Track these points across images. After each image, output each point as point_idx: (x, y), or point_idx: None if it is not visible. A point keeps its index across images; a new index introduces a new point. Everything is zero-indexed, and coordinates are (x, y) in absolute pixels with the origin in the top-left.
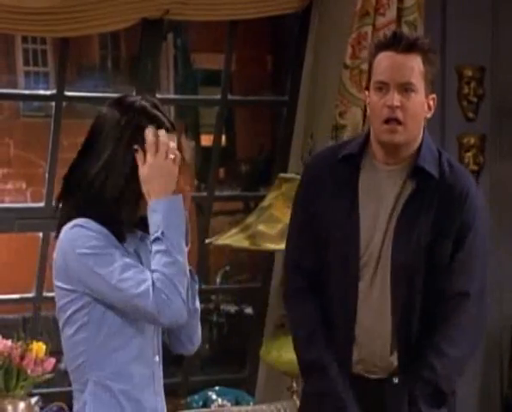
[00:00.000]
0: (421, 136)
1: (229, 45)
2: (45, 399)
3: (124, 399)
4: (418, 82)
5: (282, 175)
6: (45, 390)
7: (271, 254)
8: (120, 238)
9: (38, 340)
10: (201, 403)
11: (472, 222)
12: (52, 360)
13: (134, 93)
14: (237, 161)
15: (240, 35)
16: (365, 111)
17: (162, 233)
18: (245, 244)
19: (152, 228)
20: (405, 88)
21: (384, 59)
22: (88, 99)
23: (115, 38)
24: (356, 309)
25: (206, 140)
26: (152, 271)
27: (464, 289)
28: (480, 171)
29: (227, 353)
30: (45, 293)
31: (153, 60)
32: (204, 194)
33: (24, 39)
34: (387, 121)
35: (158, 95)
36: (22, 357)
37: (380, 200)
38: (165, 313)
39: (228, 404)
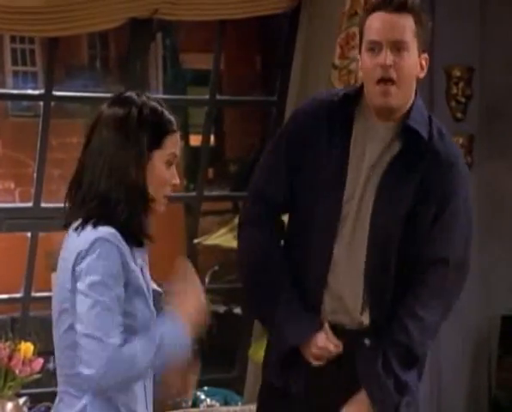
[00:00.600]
0: (413, 96)
1: (218, 45)
2: (34, 399)
3: (125, 410)
4: (411, 41)
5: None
6: (33, 391)
7: None
8: (134, 243)
9: (26, 340)
10: (190, 403)
11: (457, 190)
12: (40, 361)
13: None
14: (226, 161)
15: (229, 35)
16: None
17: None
18: (234, 244)
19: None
20: (398, 47)
21: (375, 20)
22: (77, 99)
23: (104, 37)
24: (331, 256)
25: (195, 140)
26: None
27: (443, 255)
28: (469, 171)
29: (215, 353)
30: (34, 294)
31: (142, 60)
32: (193, 194)
33: (12, 39)
34: (380, 82)
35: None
36: (10, 357)
37: (364, 154)
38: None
39: (217, 404)
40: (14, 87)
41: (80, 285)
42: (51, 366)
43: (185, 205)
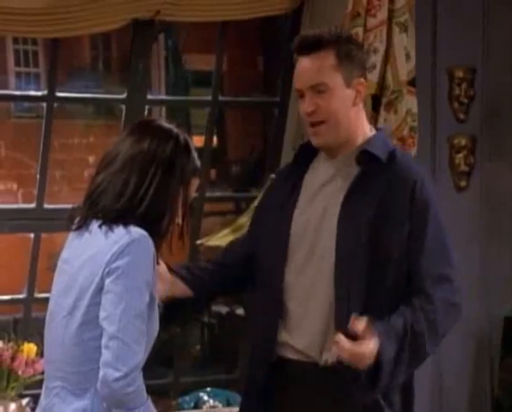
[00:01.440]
0: (363, 128)
1: (220, 45)
2: (36, 400)
3: None
4: (331, 79)
5: (273, 176)
6: (36, 392)
7: None
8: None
9: (29, 341)
10: (192, 404)
11: (428, 211)
12: (43, 362)
13: (125, 95)
14: (228, 162)
15: (231, 36)
16: None
17: None
18: None
19: None
20: (318, 90)
21: (297, 66)
22: (79, 100)
23: (106, 39)
24: (281, 299)
25: (197, 141)
26: None
27: (431, 273)
28: (471, 172)
29: (218, 354)
30: (37, 295)
31: (144, 61)
32: (195, 195)
33: (15, 40)
34: (311, 124)
35: (149, 96)
36: (13, 358)
37: (319, 189)
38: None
39: (220, 405)
40: (16, 89)
41: (112, 285)
42: None
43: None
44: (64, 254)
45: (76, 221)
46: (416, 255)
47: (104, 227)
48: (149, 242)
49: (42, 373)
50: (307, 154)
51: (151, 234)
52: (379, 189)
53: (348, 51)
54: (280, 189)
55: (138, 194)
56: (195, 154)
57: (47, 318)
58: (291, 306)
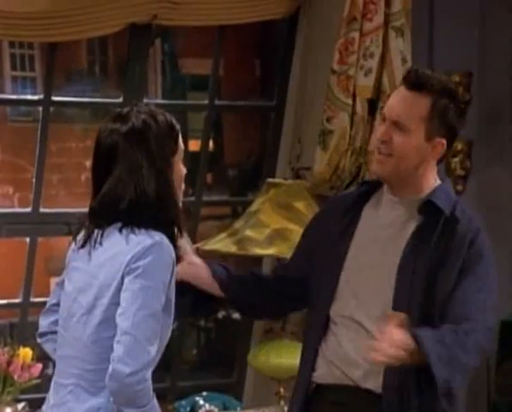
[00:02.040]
0: (431, 181)
1: (217, 50)
2: (32, 405)
3: None
4: (415, 125)
5: (270, 180)
6: (32, 396)
7: (258, 259)
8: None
9: (25, 345)
10: (189, 409)
11: (479, 260)
12: (39, 366)
13: (122, 99)
14: (225, 166)
15: (228, 40)
16: (352, 116)
17: None
18: (233, 249)
19: None
20: (398, 126)
21: (396, 92)
22: (76, 105)
23: (103, 43)
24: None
25: (194, 145)
26: None
27: (468, 317)
28: (467, 176)
29: (215, 358)
30: (33, 299)
31: (141, 65)
32: (192, 199)
33: (11, 44)
34: (378, 151)
35: (146, 100)
36: (9, 363)
37: (380, 230)
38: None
39: (216, 409)
40: (13, 93)
41: (131, 283)
42: (49, 371)
43: (185, 210)
44: (74, 259)
45: (82, 236)
46: (454, 296)
47: (125, 231)
48: (170, 246)
49: (38, 378)
50: (370, 188)
51: (167, 227)
52: (438, 241)
53: (445, 106)
54: (336, 221)
55: (143, 190)
56: (169, 122)
57: (63, 315)
58: (341, 338)
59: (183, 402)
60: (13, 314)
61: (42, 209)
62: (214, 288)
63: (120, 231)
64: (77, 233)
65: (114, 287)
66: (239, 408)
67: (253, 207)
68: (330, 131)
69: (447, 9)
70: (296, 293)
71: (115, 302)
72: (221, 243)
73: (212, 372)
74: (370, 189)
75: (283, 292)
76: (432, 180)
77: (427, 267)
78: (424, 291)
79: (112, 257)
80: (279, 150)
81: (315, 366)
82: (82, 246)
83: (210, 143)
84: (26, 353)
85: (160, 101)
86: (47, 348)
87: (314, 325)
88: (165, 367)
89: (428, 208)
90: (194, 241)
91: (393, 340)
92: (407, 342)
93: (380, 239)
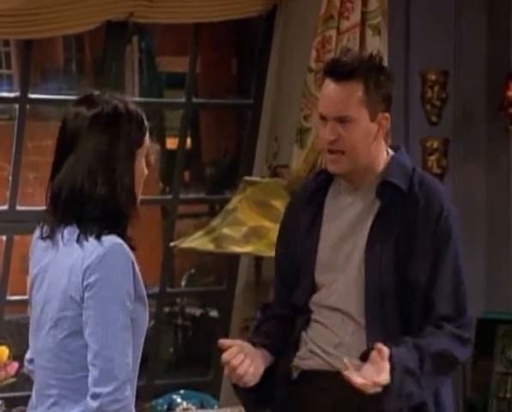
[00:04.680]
0: (382, 156)
1: (194, 48)
2: (9, 403)
3: None
4: (357, 111)
5: (247, 178)
6: (8, 395)
7: (235, 257)
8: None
9: (1, 344)
10: (166, 407)
11: (449, 241)
12: (16, 365)
13: None
14: (202, 164)
15: (205, 38)
16: None
17: None
18: (210, 247)
19: None
20: (342, 120)
21: (324, 89)
22: (53, 102)
23: (79, 40)
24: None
25: (171, 143)
26: None
27: (449, 311)
28: (444, 174)
29: (191, 356)
30: (8, 297)
31: (117, 63)
32: (169, 197)
33: None
34: (329, 151)
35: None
36: None
37: (344, 221)
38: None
39: (193, 408)
40: None
41: (92, 301)
42: (25, 370)
43: (162, 208)
44: (40, 260)
45: (45, 229)
46: (432, 285)
47: (81, 237)
48: (124, 250)
49: (14, 376)
50: (326, 177)
51: (120, 225)
52: (401, 220)
53: (376, 83)
54: (301, 216)
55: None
56: (136, 106)
57: (33, 325)
58: (321, 328)
59: (160, 401)
60: None
61: (18, 207)
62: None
63: (78, 239)
64: (42, 227)
65: (76, 300)
66: (216, 407)
67: (230, 205)
68: (307, 129)
69: (423, 7)
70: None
71: (80, 313)
72: (198, 241)
73: (189, 370)
74: (327, 178)
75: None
76: (384, 154)
77: (394, 249)
78: (395, 273)
79: (69, 269)
80: (256, 148)
81: (298, 353)
82: (44, 240)
83: (188, 141)
84: (2, 351)
85: (137, 99)
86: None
87: (297, 315)
88: (141, 366)
89: (385, 188)
90: (171, 239)
91: (377, 382)
92: (387, 380)
93: (346, 228)
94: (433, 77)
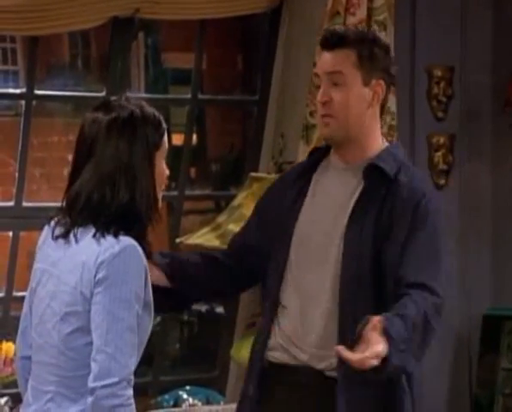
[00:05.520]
0: (376, 136)
1: (199, 44)
2: (15, 399)
3: None
4: (350, 73)
5: (252, 174)
6: (14, 391)
7: None
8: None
9: (7, 340)
10: (172, 403)
11: (426, 219)
12: (16, 358)
13: (105, 93)
14: (208, 161)
15: (211, 34)
16: None
17: None
18: (215, 243)
19: None
20: (335, 81)
21: (319, 57)
22: (58, 98)
23: (85, 36)
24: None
25: (177, 139)
26: None
27: (418, 280)
28: (450, 170)
29: (197, 352)
30: (15, 293)
31: (123, 59)
32: (175, 193)
33: None
34: (322, 116)
35: (128, 94)
36: None
37: (328, 198)
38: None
39: (199, 403)
40: None
41: (100, 296)
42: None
43: (167, 204)
44: (49, 256)
45: (59, 230)
46: (404, 257)
47: (97, 235)
48: (138, 253)
49: None
50: (319, 156)
51: (138, 228)
52: (383, 205)
53: (370, 52)
54: (288, 190)
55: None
56: (152, 109)
57: (35, 321)
58: (290, 311)
59: (166, 397)
60: None
61: (25, 203)
62: (163, 281)
63: (94, 235)
64: (54, 227)
65: (85, 295)
66: (222, 402)
67: (236, 201)
68: (313, 125)
69: (429, 3)
70: (250, 263)
71: (89, 310)
72: (203, 237)
73: (195, 366)
74: (320, 157)
75: (236, 265)
76: (379, 141)
77: (374, 231)
78: (373, 255)
79: (84, 262)
80: (262, 144)
81: (269, 345)
82: (56, 239)
83: (193, 137)
84: (8, 347)
85: (143, 95)
86: (21, 375)
87: (268, 303)
88: (147, 362)
89: (372, 171)
90: (177, 235)
91: (375, 352)
92: (384, 350)
93: (329, 206)
94: (439, 73)
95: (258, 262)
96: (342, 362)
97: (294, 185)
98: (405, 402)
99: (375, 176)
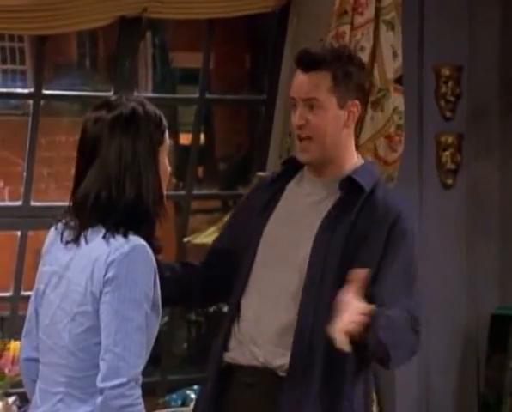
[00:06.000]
0: (351, 153)
1: (207, 43)
2: (23, 399)
3: None
4: (325, 97)
5: (260, 174)
6: (22, 390)
7: None
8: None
9: (15, 339)
10: (179, 402)
11: (403, 240)
12: (20, 359)
13: (112, 92)
14: (215, 160)
15: (218, 34)
16: None
17: None
18: None
19: None
20: (310, 105)
21: (295, 77)
22: (66, 98)
23: (93, 36)
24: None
25: (184, 139)
26: None
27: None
28: (458, 170)
29: (205, 351)
30: (23, 292)
31: (131, 59)
32: (183, 192)
33: (1, 37)
34: (299, 139)
35: (136, 94)
36: (0, 356)
37: (300, 205)
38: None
39: None
40: (2, 86)
41: (109, 296)
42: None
43: (175, 204)
44: (58, 258)
45: (68, 233)
46: (380, 278)
47: (107, 235)
48: (147, 253)
49: None
50: (293, 166)
51: (146, 226)
52: (357, 217)
53: (345, 73)
54: (261, 196)
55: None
56: (157, 115)
57: (45, 321)
58: (249, 310)
59: (174, 396)
60: (3, 308)
61: (33, 203)
62: None
63: (104, 236)
64: (63, 230)
65: (96, 295)
66: None
67: (239, 203)
68: None
69: (437, 2)
70: (223, 270)
71: (98, 309)
72: (211, 237)
73: (203, 365)
74: (294, 167)
75: (210, 271)
76: (355, 159)
77: (343, 242)
78: (340, 265)
79: (94, 262)
80: (270, 144)
81: (228, 346)
82: (66, 244)
83: (201, 137)
84: (16, 346)
85: (150, 95)
86: (26, 376)
87: (230, 303)
88: (155, 362)
89: (348, 184)
90: (184, 235)
91: (357, 307)
92: (368, 307)
93: (300, 213)
94: (447, 72)
95: (229, 268)
96: (294, 359)
97: (266, 191)
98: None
99: (352, 189)
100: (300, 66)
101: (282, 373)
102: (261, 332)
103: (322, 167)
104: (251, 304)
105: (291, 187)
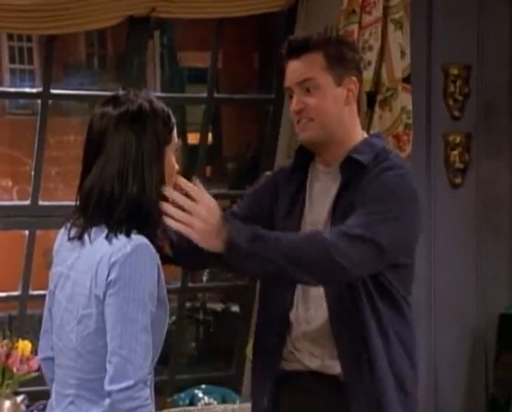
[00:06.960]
0: (357, 131)
1: (216, 43)
2: (31, 398)
3: None
4: (320, 75)
5: (268, 173)
6: (30, 389)
7: None
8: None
9: (24, 338)
10: (187, 401)
11: (386, 189)
12: (38, 359)
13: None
14: (224, 159)
15: (227, 33)
16: None
17: None
18: None
19: None
20: (307, 87)
21: (287, 67)
22: (75, 97)
23: (102, 35)
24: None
25: (193, 138)
26: None
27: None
28: (466, 169)
29: (213, 351)
30: (31, 292)
31: (139, 58)
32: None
33: (10, 37)
34: (298, 122)
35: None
36: (8, 355)
37: (319, 202)
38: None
39: (215, 402)
40: (11, 86)
41: (113, 298)
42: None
43: None
44: (66, 259)
45: (74, 230)
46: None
47: (110, 235)
48: (151, 251)
49: (37, 371)
50: (305, 157)
51: (149, 225)
52: (361, 192)
53: (338, 52)
54: (281, 190)
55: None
56: (161, 103)
57: (56, 323)
58: (297, 316)
59: (182, 395)
60: (12, 307)
61: (41, 202)
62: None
63: (107, 236)
64: (70, 228)
65: (100, 297)
66: (238, 401)
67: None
68: None
69: (445, 1)
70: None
71: (102, 311)
72: None
73: (211, 365)
74: (307, 158)
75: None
76: (359, 132)
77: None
78: None
79: (97, 263)
80: (278, 143)
81: (283, 354)
82: (71, 241)
83: (209, 136)
84: (25, 345)
85: (158, 94)
86: (47, 376)
87: (278, 310)
88: (163, 361)
89: (349, 164)
90: None
91: (209, 206)
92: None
93: (322, 209)
94: (455, 72)
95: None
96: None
97: (286, 187)
98: None
99: (352, 168)
100: (290, 54)
101: (338, 375)
102: (312, 337)
103: (327, 149)
104: (299, 310)
105: (310, 184)
